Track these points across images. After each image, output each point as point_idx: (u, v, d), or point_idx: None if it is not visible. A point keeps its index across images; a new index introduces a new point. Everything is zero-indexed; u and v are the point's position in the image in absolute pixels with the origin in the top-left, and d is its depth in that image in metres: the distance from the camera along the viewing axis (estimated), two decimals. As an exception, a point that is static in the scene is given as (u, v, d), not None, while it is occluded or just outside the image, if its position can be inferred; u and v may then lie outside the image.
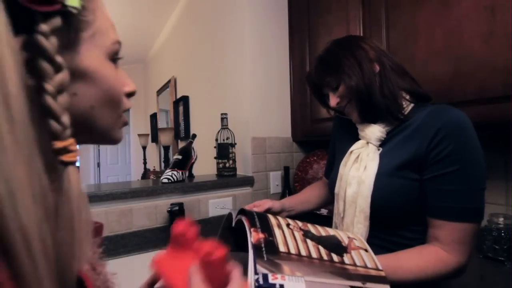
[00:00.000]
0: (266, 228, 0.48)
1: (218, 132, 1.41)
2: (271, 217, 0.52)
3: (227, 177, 1.39)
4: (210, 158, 1.56)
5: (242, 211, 0.54)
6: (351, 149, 0.74)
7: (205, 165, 1.79)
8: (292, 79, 1.54)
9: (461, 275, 0.60)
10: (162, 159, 2.56)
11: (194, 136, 1.44)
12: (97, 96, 0.32)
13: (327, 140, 1.02)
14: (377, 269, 0.48)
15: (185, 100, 2.40)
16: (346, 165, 0.73)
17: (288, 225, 0.52)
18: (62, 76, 0.26)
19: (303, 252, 0.46)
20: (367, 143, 0.71)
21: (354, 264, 0.48)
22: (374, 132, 0.69)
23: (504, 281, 0.78)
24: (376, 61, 0.67)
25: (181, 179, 1.28)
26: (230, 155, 1.40)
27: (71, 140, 0.26)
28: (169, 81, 2.89)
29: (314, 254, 0.47)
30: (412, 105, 0.67)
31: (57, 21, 0.26)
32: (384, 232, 0.66)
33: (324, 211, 1.31)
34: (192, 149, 1.38)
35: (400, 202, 0.63)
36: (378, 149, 0.69)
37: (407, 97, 0.68)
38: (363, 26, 1.09)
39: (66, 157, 0.25)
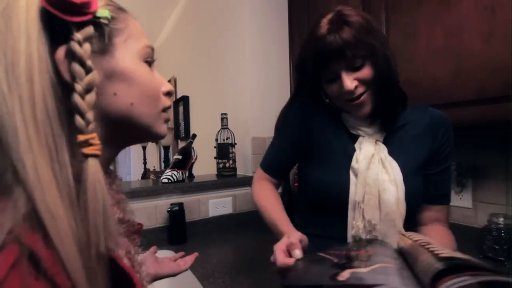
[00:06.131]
0: None
1: (218, 132, 1.41)
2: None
3: (227, 177, 1.39)
4: (210, 158, 1.56)
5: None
6: (370, 151, 0.64)
7: (205, 165, 1.79)
8: (292, 79, 1.54)
9: None
10: (162, 159, 2.57)
11: (194, 136, 1.44)
12: (135, 94, 0.35)
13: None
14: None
15: (185, 100, 2.40)
16: (370, 168, 0.62)
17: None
18: (91, 77, 0.29)
19: None
20: (376, 141, 0.65)
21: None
22: (380, 129, 0.65)
23: (504, 281, 0.77)
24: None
25: (181, 179, 1.28)
26: (230, 155, 1.40)
27: (93, 135, 0.29)
28: (169, 81, 2.89)
29: None
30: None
31: (89, 30, 0.30)
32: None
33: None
34: (192, 149, 1.38)
35: (420, 199, 0.66)
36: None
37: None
38: (363, 26, 1.09)
39: (87, 150, 0.28)
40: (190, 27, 2.27)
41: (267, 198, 0.73)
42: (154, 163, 3.48)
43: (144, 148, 3.06)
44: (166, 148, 2.08)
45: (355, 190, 0.62)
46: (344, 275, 0.40)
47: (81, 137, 0.28)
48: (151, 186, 1.20)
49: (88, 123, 0.29)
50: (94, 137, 0.29)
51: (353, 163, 0.64)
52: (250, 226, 1.35)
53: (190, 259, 0.71)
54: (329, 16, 0.61)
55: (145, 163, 3.07)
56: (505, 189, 0.94)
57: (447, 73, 0.82)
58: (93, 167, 0.28)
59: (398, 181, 0.61)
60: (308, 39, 0.63)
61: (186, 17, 2.38)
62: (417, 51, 0.90)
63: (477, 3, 0.75)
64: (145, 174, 2.95)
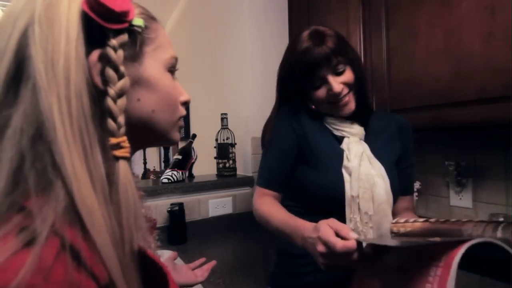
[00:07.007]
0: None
1: (218, 132, 1.41)
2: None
3: (227, 177, 1.39)
4: (210, 158, 1.56)
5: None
6: (359, 150, 0.70)
7: (205, 165, 1.79)
8: (292, 79, 1.54)
9: None
10: (162, 159, 2.57)
11: (194, 136, 1.44)
12: (157, 101, 0.37)
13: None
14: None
15: (185, 100, 2.40)
16: (361, 165, 0.69)
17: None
18: (123, 83, 0.31)
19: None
20: (359, 140, 0.73)
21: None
22: (361, 129, 0.73)
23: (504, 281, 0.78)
24: None
25: (181, 179, 1.28)
26: (230, 155, 1.40)
27: (124, 138, 0.30)
28: (169, 81, 2.89)
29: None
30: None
31: (124, 37, 0.31)
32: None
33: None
34: (192, 149, 1.38)
35: (399, 190, 0.73)
36: None
37: None
38: (363, 26, 1.09)
39: (118, 152, 0.30)
40: (190, 27, 2.27)
41: (272, 206, 0.70)
42: (154, 163, 3.48)
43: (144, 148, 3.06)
44: (166, 148, 2.08)
45: (350, 186, 0.67)
46: (434, 238, 0.42)
47: (113, 140, 0.30)
48: (151, 186, 1.20)
49: (119, 126, 0.30)
50: (124, 140, 0.30)
51: (345, 162, 0.70)
52: (250, 226, 1.35)
53: (207, 269, 0.70)
54: (307, 32, 0.70)
55: (145, 163, 3.07)
56: (505, 189, 0.94)
57: (447, 73, 0.82)
58: (123, 168, 0.30)
59: (384, 175, 0.69)
60: (293, 53, 0.71)
61: (186, 17, 2.38)
62: (417, 51, 0.90)
63: (477, 3, 0.75)
64: (145, 174, 2.95)
